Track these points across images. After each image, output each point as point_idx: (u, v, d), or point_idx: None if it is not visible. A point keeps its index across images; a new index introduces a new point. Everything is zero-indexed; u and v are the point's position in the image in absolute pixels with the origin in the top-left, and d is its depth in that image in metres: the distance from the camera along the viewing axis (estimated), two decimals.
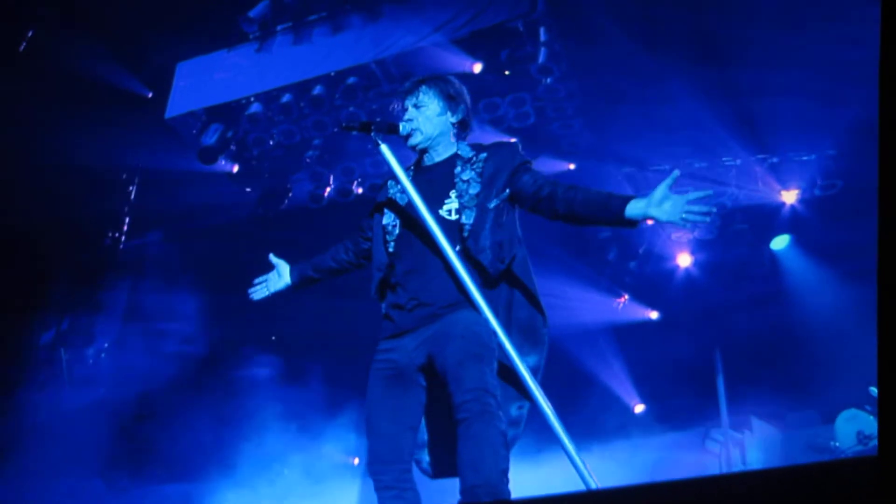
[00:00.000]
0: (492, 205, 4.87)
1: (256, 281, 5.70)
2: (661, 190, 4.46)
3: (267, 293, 5.67)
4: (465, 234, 4.81)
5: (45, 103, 10.97)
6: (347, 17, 11.00)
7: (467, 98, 5.29)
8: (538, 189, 4.87)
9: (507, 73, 10.63)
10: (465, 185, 4.93)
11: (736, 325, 11.91)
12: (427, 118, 5.12)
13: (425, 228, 4.76)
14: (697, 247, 12.23)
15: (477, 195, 4.88)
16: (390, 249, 5.02)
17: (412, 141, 5.10)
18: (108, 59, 11.65)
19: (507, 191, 4.93)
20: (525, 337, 4.84)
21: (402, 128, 5.09)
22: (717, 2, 9.74)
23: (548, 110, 10.91)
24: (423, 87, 5.18)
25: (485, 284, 4.75)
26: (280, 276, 5.63)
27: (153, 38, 11.54)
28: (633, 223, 4.55)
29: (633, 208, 4.50)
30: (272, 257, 5.69)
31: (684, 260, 12.33)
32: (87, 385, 11.54)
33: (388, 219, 5.08)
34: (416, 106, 5.15)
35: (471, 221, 4.82)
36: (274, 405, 11.91)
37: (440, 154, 5.16)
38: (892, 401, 2.16)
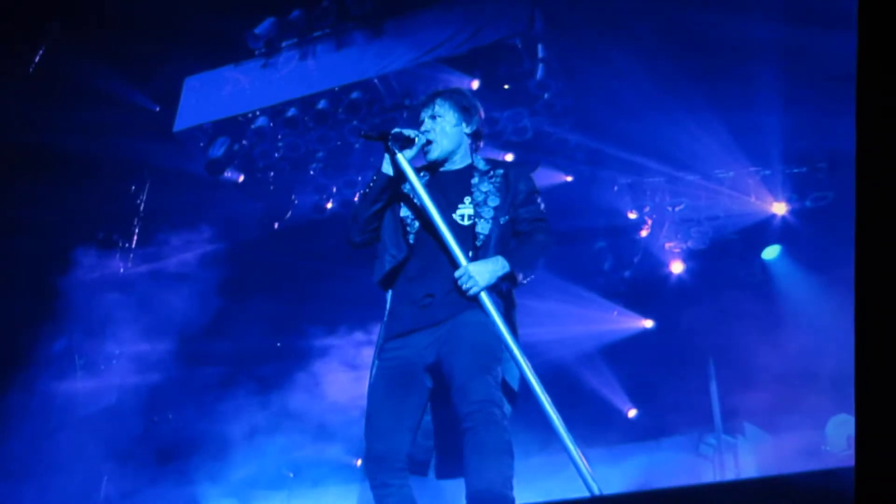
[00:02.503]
0: (503, 220, 5.01)
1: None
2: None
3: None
4: (479, 244, 4.90)
5: (56, 118, 11.18)
6: (350, 34, 11.16)
7: (480, 109, 5.41)
8: (520, 228, 5.09)
9: (506, 87, 10.83)
10: (482, 196, 5.04)
11: (729, 332, 12.05)
12: (443, 129, 5.22)
13: (438, 231, 4.86)
14: (690, 256, 12.34)
15: (496, 208, 5.00)
16: (411, 241, 5.08)
17: (431, 153, 5.21)
18: (117, 75, 11.82)
19: (513, 212, 5.07)
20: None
21: (419, 139, 5.12)
22: (710, 17, 9.87)
23: (545, 124, 11.08)
24: (439, 100, 5.30)
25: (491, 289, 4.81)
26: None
27: (161, 54, 11.71)
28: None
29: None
30: None
31: (677, 267, 12.50)
32: (98, 390, 11.69)
33: (406, 212, 5.14)
34: (432, 117, 5.25)
35: (485, 232, 4.93)
36: (278, 408, 12.08)
37: (456, 164, 5.27)
38: (868, 409, 2.18)
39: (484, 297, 4.73)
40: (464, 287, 4.72)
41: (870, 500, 2.15)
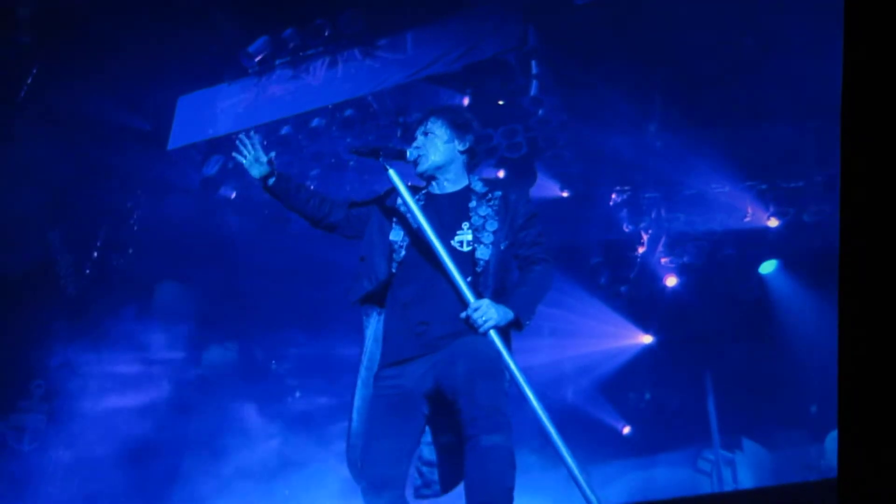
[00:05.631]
0: (503, 245, 4.95)
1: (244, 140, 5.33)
2: None
3: (248, 153, 5.26)
4: (479, 269, 4.85)
5: (47, 140, 11.18)
6: (344, 51, 11.13)
7: (476, 128, 5.36)
8: (519, 252, 5.04)
9: (500, 102, 10.82)
10: (481, 221, 4.97)
11: (726, 347, 12.05)
12: (434, 145, 5.17)
13: (435, 256, 4.80)
14: (687, 271, 12.33)
15: (495, 232, 4.94)
16: (393, 269, 5.02)
17: (419, 167, 5.16)
18: (110, 95, 11.79)
19: (512, 236, 5.01)
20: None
21: (410, 153, 5.13)
22: (704, 33, 9.89)
23: (540, 140, 11.04)
24: (432, 117, 5.26)
25: None
26: (260, 159, 5.26)
27: (154, 73, 11.69)
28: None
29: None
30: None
31: (673, 282, 12.45)
32: (87, 417, 11.62)
33: (397, 236, 5.09)
34: (424, 134, 5.22)
35: (486, 258, 4.87)
36: (276, 429, 12.05)
37: (451, 184, 5.21)
38: (850, 422, 2.24)
39: (493, 334, 4.68)
40: (478, 321, 4.67)
41: None
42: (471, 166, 5.33)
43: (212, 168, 11.81)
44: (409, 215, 5.06)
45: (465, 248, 4.94)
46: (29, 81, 11.43)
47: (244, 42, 11.45)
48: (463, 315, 4.71)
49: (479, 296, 4.77)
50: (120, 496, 11.21)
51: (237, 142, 5.38)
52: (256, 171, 5.30)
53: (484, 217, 5.00)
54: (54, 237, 11.81)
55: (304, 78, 11.35)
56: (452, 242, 4.94)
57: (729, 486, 11.44)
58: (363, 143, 10.99)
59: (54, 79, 11.45)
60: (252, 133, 5.44)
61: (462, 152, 5.27)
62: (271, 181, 5.32)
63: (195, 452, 11.77)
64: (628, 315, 12.85)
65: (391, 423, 4.80)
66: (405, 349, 4.88)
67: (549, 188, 11.56)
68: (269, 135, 11.55)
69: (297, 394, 12.96)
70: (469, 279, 4.82)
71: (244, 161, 5.31)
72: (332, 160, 11.59)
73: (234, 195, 12.41)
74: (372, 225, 5.22)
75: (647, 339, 12.91)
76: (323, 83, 11.23)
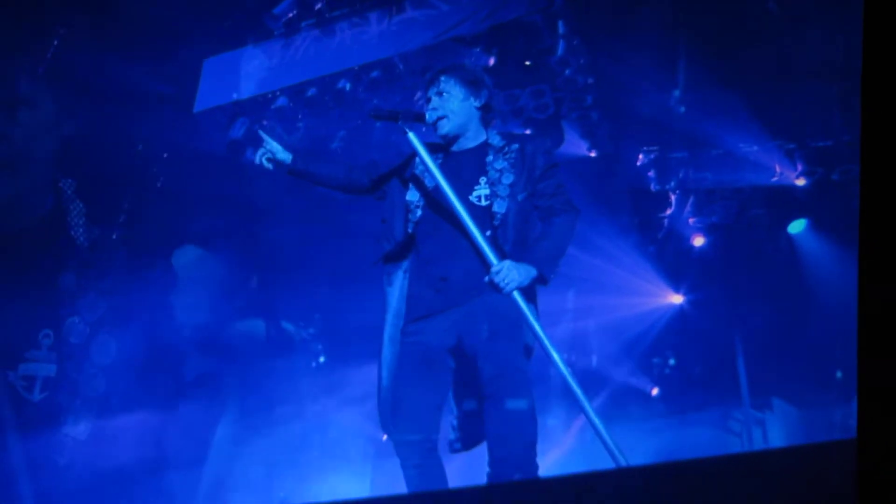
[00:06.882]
0: (521, 197, 5.01)
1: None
2: None
3: (269, 155, 5.46)
4: (497, 223, 4.92)
5: (73, 108, 11.18)
6: (370, 13, 11.08)
7: (488, 82, 5.42)
8: (540, 203, 5.08)
9: (527, 63, 10.78)
10: (497, 174, 5.04)
11: (755, 307, 12.02)
12: (451, 105, 5.22)
13: (453, 212, 4.86)
14: (715, 231, 12.28)
15: (511, 185, 5.00)
16: (409, 230, 5.13)
17: (441, 130, 5.23)
18: (134, 57, 11.74)
19: (531, 187, 5.06)
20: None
21: (429, 116, 5.19)
22: None
23: (567, 101, 11.01)
24: (444, 76, 5.32)
25: None
26: (276, 149, 5.48)
27: (178, 36, 11.64)
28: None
29: None
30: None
31: (701, 242, 12.38)
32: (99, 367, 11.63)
33: (413, 196, 5.19)
34: (438, 94, 5.26)
35: (503, 211, 4.95)
36: (301, 393, 12.11)
37: (469, 140, 5.28)
38: (869, 380, 2.29)
39: (517, 295, 4.73)
40: (501, 283, 4.73)
41: (870, 467, 2.25)
42: (486, 121, 5.37)
43: (237, 131, 11.78)
44: (426, 175, 5.14)
45: (483, 203, 5.02)
46: (50, 54, 11.38)
47: (269, 4, 11.39)
48: (486, 279, 4.75)
49: (498, 250, 4.82)
50: (132, 447, 11.28)
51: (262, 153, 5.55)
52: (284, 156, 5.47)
53: (500, 170, 5.08)
54: (67, 185, 11.75)
55: (330, 39, 11.29)
56: (471, 198, 5.03)
57: (759, 446, 11.43)
58: (393, 105, 10.97)
59: (78, 42, 11.40)
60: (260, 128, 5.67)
61: (478, 108, 5.31)
62: (288, 162, 5.45)
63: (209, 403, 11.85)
64: (657, 275, 12.79)
65: (419, 376, 4.94)
66: (427, 305, 5.00)
67: (577, 148, 11.51)
68: (295, 97, 11.55)
69: (322, 358, 13.03)
70: (488, 233, 4.88)
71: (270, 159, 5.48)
72: (359, 122, 11.56)
73: None
74: (392, 187, 5.34)
75: (678, 298, 12.87)
76: (349, 44, 11.18)
